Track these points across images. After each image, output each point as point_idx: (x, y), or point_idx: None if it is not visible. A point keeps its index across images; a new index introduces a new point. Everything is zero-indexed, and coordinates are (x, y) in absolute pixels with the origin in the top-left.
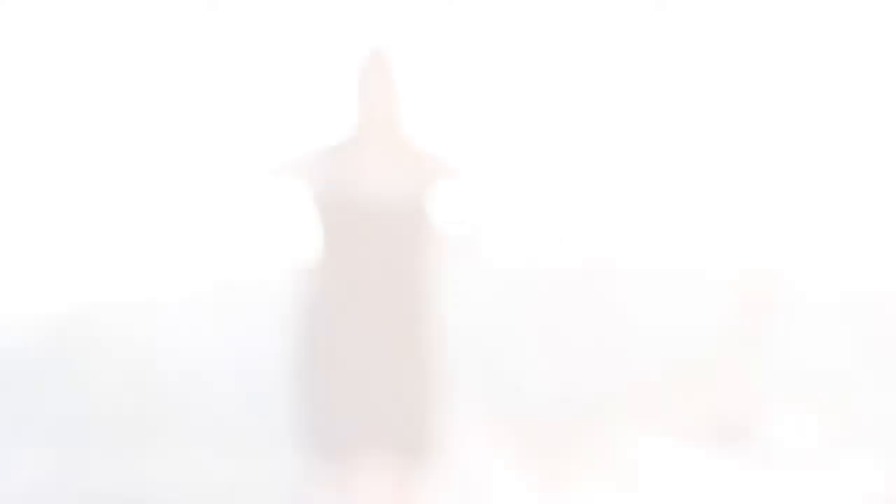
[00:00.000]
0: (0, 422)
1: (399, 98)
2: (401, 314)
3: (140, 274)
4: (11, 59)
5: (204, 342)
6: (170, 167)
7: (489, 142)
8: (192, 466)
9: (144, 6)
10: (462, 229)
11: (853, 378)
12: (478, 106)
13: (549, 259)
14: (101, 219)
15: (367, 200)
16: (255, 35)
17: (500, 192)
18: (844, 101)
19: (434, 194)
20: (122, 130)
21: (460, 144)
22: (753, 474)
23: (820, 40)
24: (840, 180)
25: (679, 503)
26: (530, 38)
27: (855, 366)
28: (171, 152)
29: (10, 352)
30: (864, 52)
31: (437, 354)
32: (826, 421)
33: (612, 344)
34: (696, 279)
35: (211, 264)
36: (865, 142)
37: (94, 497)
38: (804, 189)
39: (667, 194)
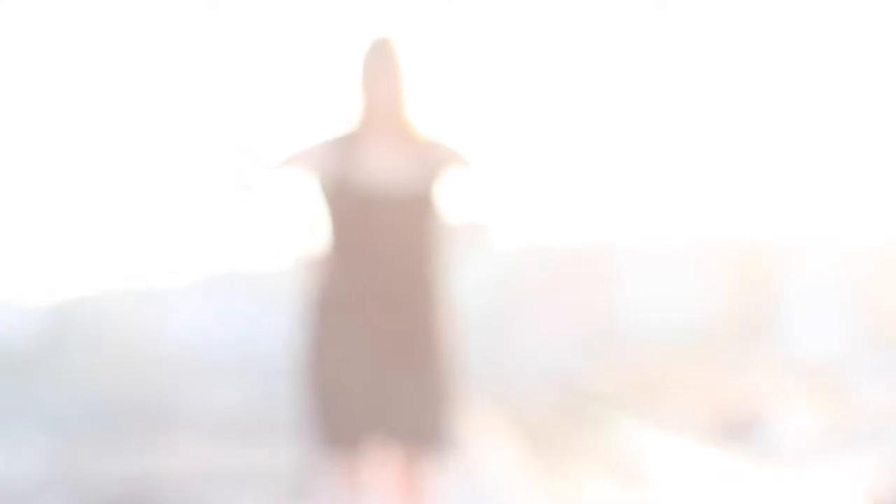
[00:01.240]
0: (1, 410)
1: (403, 87)
2: (408, 303)
3: (149, 263)
4: (12, 58)
5: (209, 332)
6: (176, 159)
7: (492, 130)
8: (196, 454)
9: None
10: (467, 217)
11: (854, 368)
12: (481, 95)
13: (550, 245)
14: (104, 209)
15: (374, 190)
16: (260, 28)
17: (504, 179)
18: (841, 99)
19: (440, 182)
20: (128, 125)
21: (464, 132)
22: (755, 466)
23: (817, 40)
24: (836, 168)
25: (679, 494)
26: (533, 30)
27: (855, 355)
28: (177, 145)
29: (11, 341)
30: (859, 52)
31: (445, 343)
32: (827, 411)
33: (613, 335)
34: (697, 265)
35: (219, 254)
36: (862, 132)
37: (93, 483)
38: (803, 176)
39: (667, 181)
